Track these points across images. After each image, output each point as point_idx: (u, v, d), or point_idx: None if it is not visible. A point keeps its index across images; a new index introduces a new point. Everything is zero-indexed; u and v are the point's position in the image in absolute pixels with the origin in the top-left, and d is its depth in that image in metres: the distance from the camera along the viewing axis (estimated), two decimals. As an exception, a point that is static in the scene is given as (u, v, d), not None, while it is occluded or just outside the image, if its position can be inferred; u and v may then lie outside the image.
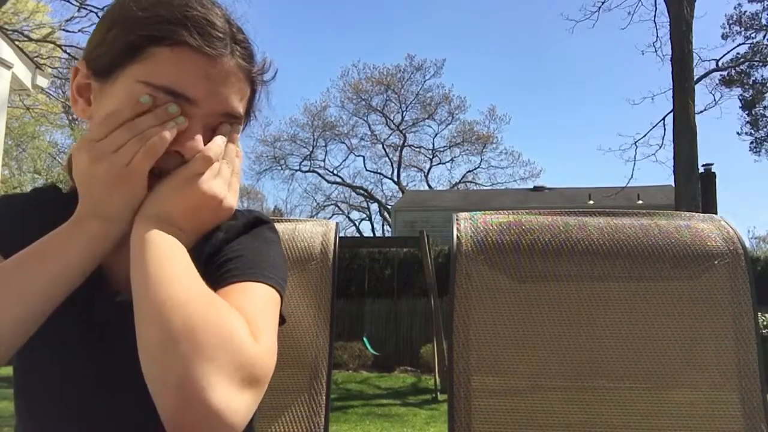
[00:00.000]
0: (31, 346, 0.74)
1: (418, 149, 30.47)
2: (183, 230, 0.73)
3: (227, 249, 0.80)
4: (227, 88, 0.75)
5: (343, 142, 30.18)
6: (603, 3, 14.49)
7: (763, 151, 22.05)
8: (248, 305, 0.70)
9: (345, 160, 34.43)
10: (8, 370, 0.84)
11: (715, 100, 19.23)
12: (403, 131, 29.81)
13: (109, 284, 0.78)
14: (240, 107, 0.78)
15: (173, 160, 0.74)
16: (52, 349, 0.77)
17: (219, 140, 0.76)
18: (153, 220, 0.71)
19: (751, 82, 21.08)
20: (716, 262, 1.17)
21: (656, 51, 22.07)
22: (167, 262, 0.67)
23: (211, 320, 0.62)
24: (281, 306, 0.79)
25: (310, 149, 29.73)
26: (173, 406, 0.58)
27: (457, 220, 1.26)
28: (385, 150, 30.13)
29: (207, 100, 0.74)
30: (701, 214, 1.28)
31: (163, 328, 0.61)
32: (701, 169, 11.49)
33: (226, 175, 0.76)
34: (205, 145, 0.75)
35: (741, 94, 21.33)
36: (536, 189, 23.87)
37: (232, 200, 0.77)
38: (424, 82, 29.90)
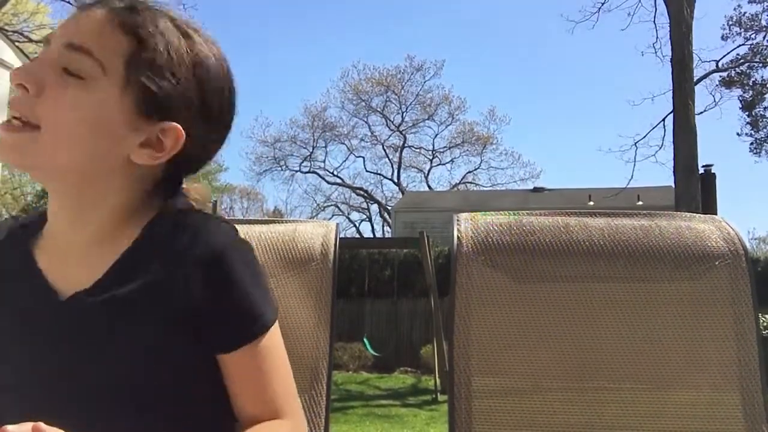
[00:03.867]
0: None
1: (418, 150, 30.48)
2: None
3: (206, 300, 0.76)
4: (76, 21, 0.76)
5: (343, 143, 30.19)
6: (603, 4, 14.52)
7: (764, 152, 22.04)
8: (275, 382, 0.79)
9: (345, 161, 34.49)
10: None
11: (715, 101, 19.17)
12: (403, 132, 29.81)
13: (47, 287, 0.78)
14: (85, 40, 0.74)
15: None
16: None
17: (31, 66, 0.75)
18: None
19: (751, 83, 21.08)
20: (717, 263, 1.17)
21: (656, 52, 22.05)
22: None
23: None
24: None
25: (310, 150, 29.73)
26: None
27: (457, 220, 1.26)
28: (385, 151, 30.14)
29: (55, 33, 0.77)
30: (701, 215, 1.28)
31: None
32: (701, 170, 11.48)
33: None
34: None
35: (741, 95, 21.31)
36: (536, 190, 23.86)
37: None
38: (424, 82, 29.86)
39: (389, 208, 27.52)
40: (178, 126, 0.78)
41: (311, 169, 30.14)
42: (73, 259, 0.79)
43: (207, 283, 0.76)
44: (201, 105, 0.80)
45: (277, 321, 0.82)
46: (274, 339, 0.81)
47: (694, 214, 1.28)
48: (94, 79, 0.73)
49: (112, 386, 0.74)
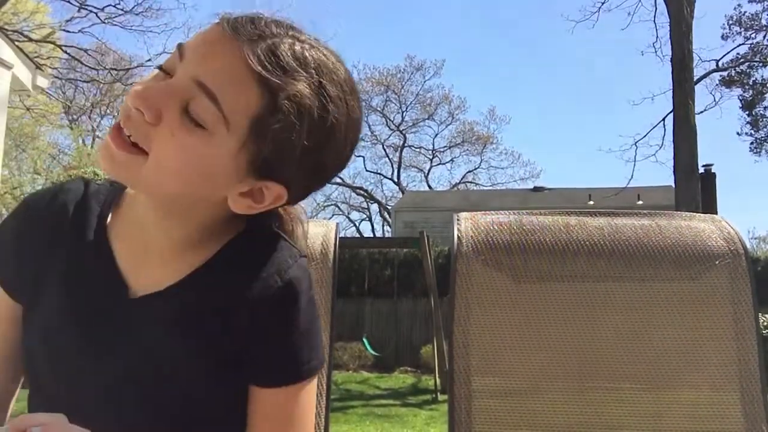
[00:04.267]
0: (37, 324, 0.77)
1: (418, 149, 30.49)
2: None
3: (264, 330, 0.77)
4: (213, 55, 0.68)
5: (343, 143, 30.11)
6: (603, 3, 14.52)
7: (764, 151, 22.04)
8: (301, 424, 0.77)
9: (345, 160, 34.41)
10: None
11: (715, 100, 19.19)
12: (403, 132, 29.82)
13: (125, 284, 0.78)
14: (216, 87, 0.68)
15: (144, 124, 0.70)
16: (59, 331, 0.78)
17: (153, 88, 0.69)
18: None
19: (751, 83, 21.08)
20: (717, 263, 1.17)
21: (656, 51, 22.02)
22: None
23: None
24: None
25: (310, 149, 29.63)
26: None
27: (457, 220, 1.26)
28: (385, 150, 30.14)
29: (189, 52, 0.70)
30: (701, 215, 1.28)
31: None
32: (701, 170, 11.49)
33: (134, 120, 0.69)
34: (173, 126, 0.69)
35: (741, 95, 21.32)
36: (536, 189, 23.88)
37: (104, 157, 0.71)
38: (424, 82, 29.95)
39: (389, 207, 27.53)
40: (282, 187, 0.76)
41: (311, 169, 30.05)
42: (152, 258, 0.79)
43: (271, 314, 0.77)
44: (314, 169, 0.77)
45: (317, 376, 0.81)
46: (311, 390, 0.80)
47: (694, 214, 1.28)
48: (215, 131, 0.69)
49: (153, 391, 0.75)
